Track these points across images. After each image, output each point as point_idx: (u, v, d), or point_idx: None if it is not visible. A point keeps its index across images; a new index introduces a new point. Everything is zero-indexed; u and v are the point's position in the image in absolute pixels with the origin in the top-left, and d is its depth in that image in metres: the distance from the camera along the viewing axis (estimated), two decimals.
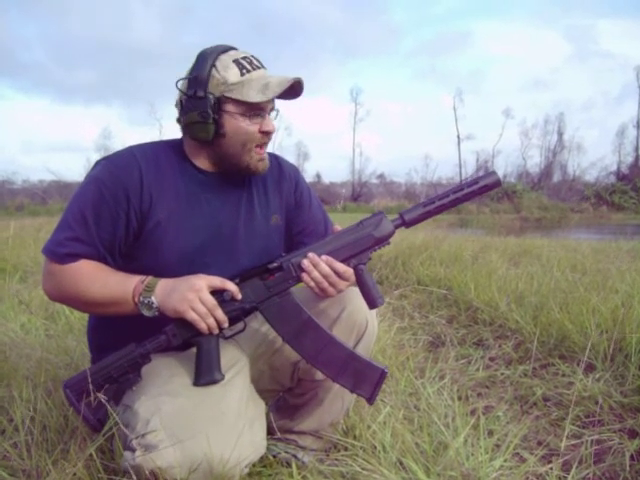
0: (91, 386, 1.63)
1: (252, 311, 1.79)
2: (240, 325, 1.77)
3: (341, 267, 1.72)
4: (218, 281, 1.71)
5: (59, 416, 2.01)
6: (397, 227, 1.79)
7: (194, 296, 1.65)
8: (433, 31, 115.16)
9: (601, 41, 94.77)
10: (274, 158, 2.08)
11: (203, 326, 1.67)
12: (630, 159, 56.43)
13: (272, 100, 1.78)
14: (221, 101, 1.75)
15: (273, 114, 1.83)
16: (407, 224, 1.79)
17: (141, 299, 1.65)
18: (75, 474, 1.63)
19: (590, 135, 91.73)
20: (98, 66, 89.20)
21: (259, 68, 1.76)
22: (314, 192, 2.13)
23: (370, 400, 1.76)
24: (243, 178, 1.93)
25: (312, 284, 1.72)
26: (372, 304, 1.77)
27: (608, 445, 2.17)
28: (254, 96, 1.71)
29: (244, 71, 1.73)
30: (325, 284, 1.72)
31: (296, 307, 1.77)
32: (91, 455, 1.68)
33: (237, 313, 1.73)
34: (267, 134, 1.78)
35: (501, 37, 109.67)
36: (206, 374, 1.69)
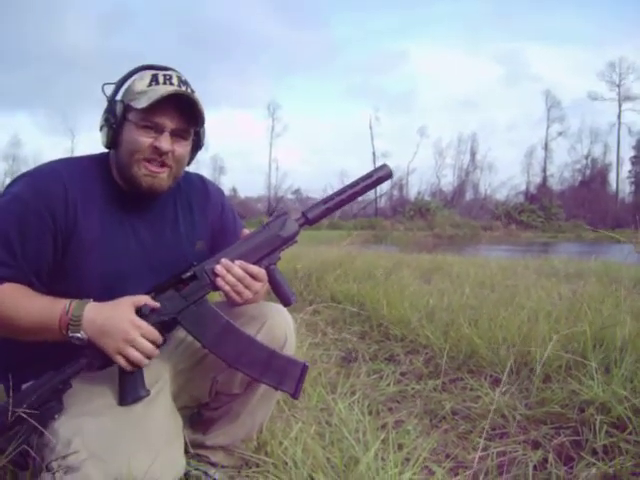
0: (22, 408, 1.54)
1: (172, 324, 1.78)
2: (160, 339, 1.75)
3: (254, 269, 1.75)
4: (140, 303, 1.69)
5: None
6: (302, 226, 1.85)
7: (127, 346, 1.61)
8: (370, 48, 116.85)
9: (531, 64, 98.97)
10: (199, 180, 2.07)
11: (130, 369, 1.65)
12: (538, 179, 58.75)
13: (176, 121, 1.74)
14: (126, 109, 1.74)
15: (183, 145, 1.79)
16: (310, 222, 1.86)
17: (70, 334, 1.59)
18: None
19: (507, 155, 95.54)
20: (22, 73, 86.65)
21: (172, 85, 1.73)
22: (235, 211, 2.14)
23: (295, 395, 1.80)
24: (167, 200, 1.90)
25: (227, 288, 1.73)
26: (286, 302, 1.84)
27: (513, 456, 2.22)
28: (142, 103, 1.69)
29: (153, 83, 1.72)
30: (240, 287, 1.73)
31: (214, 313, 1.78)
32: None
33: (157, 327, 1.71)
34: (157, 150, 1.72)
35: (434, 57, 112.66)
36: (131, 392, 1.67)
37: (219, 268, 1.73)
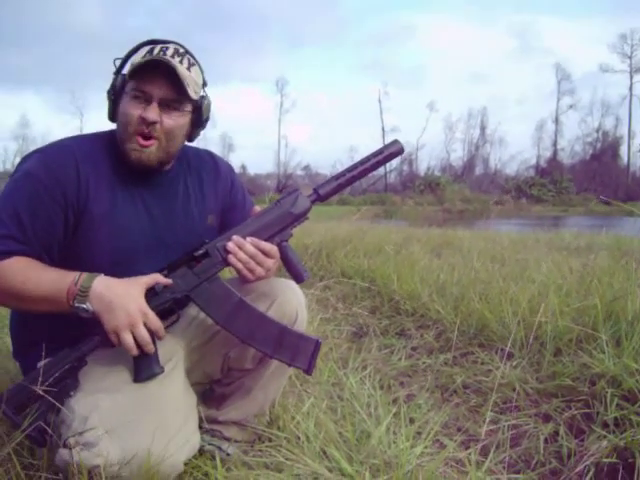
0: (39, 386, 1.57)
1: (185, 301, 1.80)
2: (174, 316, 1.78)
3: (266, 245, 1.76)
4: (153, 282, 1.70)
5: None
6: (313, 202, 1.85)
7: (127, 329, 1.61)
8: (379, 22, 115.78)
9: (542, 37, 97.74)
10: (209, 156, 2.06)
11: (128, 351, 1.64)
12: (548, 153, 58.32)
13: (165, 90, 1.72)
14: (124, 82, 1.74)
15: (175, 116, 1.76)
16: (322, 198, 1.86)
17: (76, 304, 1.59)
18: None
19: (517, 129, 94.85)
20: (29, 51, 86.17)
21: (165, 56, 1.70)
22: (245, 188, 2.13)
23: (308, 371, 1.81)
24: (178, 175, 1.91)
25: (239, 265, 1.73)
26: (299, 278, 1.85)
27: (524, 429, 2.24)
28: (129, 71, 1.70)
29: (148, 55, 1.70)
30: (252, 264, 1.74)
31: (226, 290, 1.79)
32: (9, 454, 1.63)
33: (170, 304, 1.73)
34: (144, 121, 1.70)
35: (444, 31, 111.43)
36: (146, 369, 1.68)
37: (231, 245, 1.74)
